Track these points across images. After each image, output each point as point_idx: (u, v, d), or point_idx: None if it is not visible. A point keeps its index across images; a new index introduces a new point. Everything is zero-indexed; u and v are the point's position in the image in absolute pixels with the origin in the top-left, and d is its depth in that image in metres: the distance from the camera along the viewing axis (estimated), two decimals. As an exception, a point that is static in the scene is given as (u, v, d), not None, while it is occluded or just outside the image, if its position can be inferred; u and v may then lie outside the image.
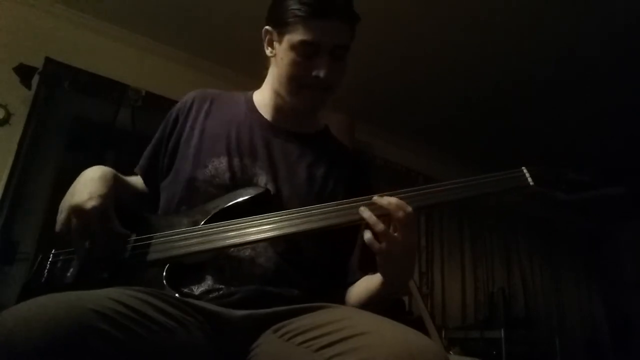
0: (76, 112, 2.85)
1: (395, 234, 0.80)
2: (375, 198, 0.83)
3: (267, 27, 1.03)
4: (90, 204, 0.87)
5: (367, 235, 0.81)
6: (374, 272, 0.91)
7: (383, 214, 0.81)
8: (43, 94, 2.70)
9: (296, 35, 0.95)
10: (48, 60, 2.73)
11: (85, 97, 2.82)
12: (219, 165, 0.98)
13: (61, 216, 0.89)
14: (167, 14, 2.87)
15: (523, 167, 0.90)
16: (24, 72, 2.62)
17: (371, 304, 0.94)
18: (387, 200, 0.81)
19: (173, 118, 1.11)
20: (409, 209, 0.81)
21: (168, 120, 1.12)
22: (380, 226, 0.80)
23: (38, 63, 2.69)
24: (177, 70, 3.19)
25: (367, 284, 0.96)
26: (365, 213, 0.81)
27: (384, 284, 0.89)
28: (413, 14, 2.77)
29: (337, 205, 0.85)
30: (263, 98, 1.11)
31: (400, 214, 0.80)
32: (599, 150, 4.04)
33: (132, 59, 3.07)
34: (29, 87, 2.64)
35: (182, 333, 0.71)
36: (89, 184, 0.91)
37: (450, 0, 2.65)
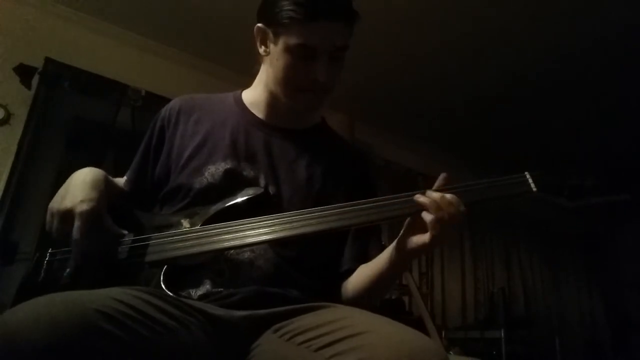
0: (76, 112, 2.85)
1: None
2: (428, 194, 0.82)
3: (259, 24, 0.97)
4: (82, 208, 0.85)
5: (429, 217, 0.79)
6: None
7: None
8: (43, 94, 2.71)
9: (292, 38, 0.90)
10: (48, 60, 2.73)
11: (85, 97, 2.82)
12: (215, 171, 0.96)
13: (52, 220, 0.88)
14: (167, 14, 2.88)
15: (526, 173, 0.87)
16: (24, 72, 2.63)
17: (374, 292, 0.95)
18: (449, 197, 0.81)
19: (159, 128, 1.07)
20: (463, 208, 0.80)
21: (153, 131, 1.07)
22: (441, 213, 0.78)
23: (38, 63, 2.70)
24: (177, 70, 3.19)
25: (371, 271, 0.95)
26: (423, 199, 0.81)
27: (395, 265, 0.89)
28: (413, 14, 2.77)
29: (337, 209, 0.84)
30: (255, 96, 1.08)
31: (453, 209, 0.80)
32: (602, 150, 4.04)
33: (132, 59, 3.07)
34: (29, 87, 2.64)
35: (183, 333, 0.71)
36: (80, 187, 0.89)
37: (450, 0, 2.65)
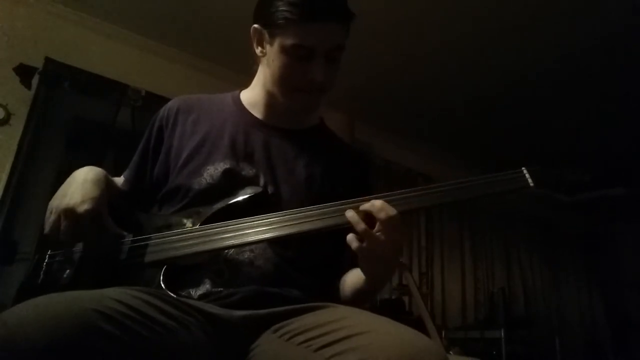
0: (76, 112, 2.85)
1: (378, 234, 0.79)
2: (362, 206, 0.82)
3: (256, 25, 0.98)
4: (83, 207, 0.85)
5: (351, 234, 0.80)
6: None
7: (367, 214, 0.80)
8: (43, 94, 2.70)
9: (288, 39, 0.91)
10: (48, 60, 2.73)
11: (85, 97, 2.82)
12: (214, 172, 0.96)
13: (51, 218, 0.88)
14: (167, 14, 2.88)
15: (523, 168, 0.87)
16: (24, 72, 2.63)
17: (356, 299, 0.95)
18: (371, 202, 0.80)
19: (157, 128, 1.07)
20: (393, 212, 0.79)
21: (152, 131, 1.07)
22: (361, 225, 0.79)
23: (38, 63, 2.69)
24: (177, 70, 3.19)
25: (352, 279, 0.96)
26: (349, 213, 0.80)
27: (365, 281, 0.90)
28: (413, 14, 2.77)
29: (335, 206, 0.84)
30: (254, 96, 1.08)
31: (382, 214, 0.78)
32: (602, 150, 4.04)
33: (132, 59, 3.07)
34: (29, 87, 2.64)
35: (183, 333, 0.71)
36: (81, 186, 0.89)
37: (450, 0, 2.65)
